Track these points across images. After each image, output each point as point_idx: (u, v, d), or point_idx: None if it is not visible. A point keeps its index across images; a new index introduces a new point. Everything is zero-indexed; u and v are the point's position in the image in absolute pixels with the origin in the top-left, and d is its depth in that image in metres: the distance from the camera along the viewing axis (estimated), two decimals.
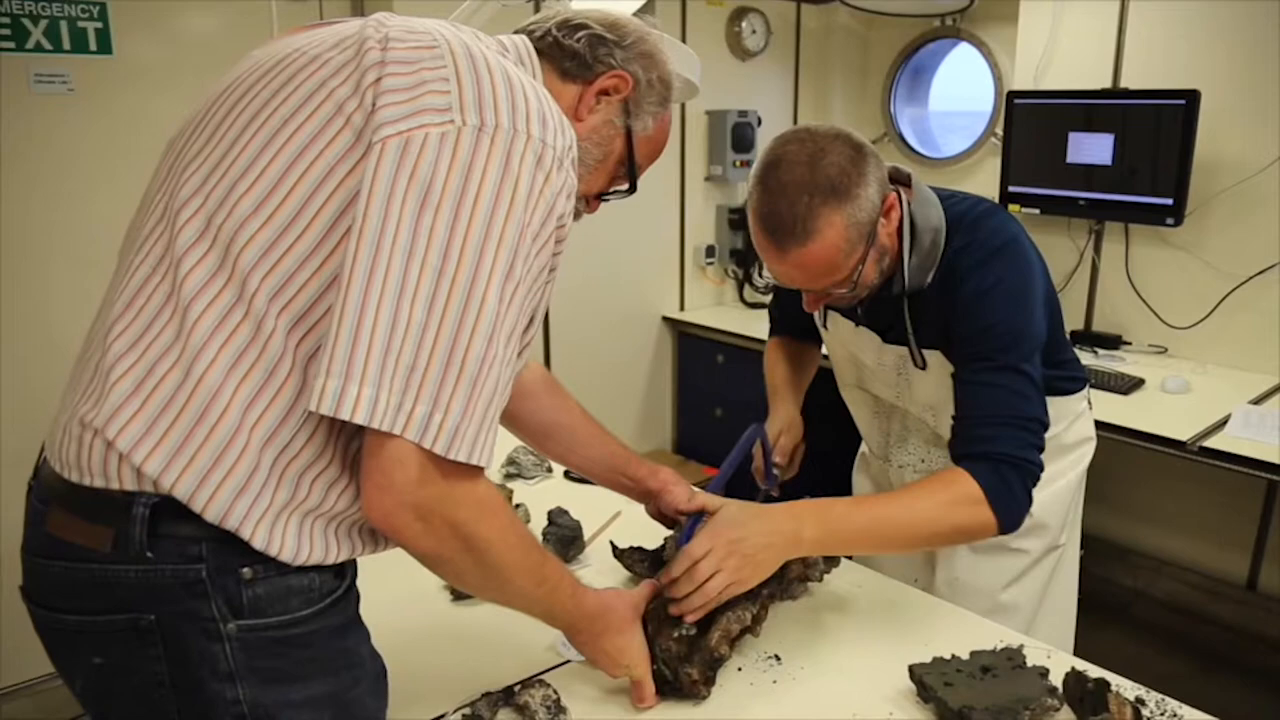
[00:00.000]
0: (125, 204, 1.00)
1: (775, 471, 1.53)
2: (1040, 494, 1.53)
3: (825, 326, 1.64)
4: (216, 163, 0.91)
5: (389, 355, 0.81)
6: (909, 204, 1.39)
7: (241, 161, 0.89)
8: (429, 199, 0.83)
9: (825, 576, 1.45)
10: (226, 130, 0.92)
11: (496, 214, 0.85)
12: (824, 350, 1.77)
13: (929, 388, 1.51)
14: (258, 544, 0.86)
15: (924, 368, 1.48)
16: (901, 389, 1.56)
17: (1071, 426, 1.66)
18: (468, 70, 0.89)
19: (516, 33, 1.12)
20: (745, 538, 1.22)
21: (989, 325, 1.35)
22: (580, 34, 1.09)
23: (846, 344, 1.62)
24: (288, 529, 0.89)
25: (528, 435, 1.48)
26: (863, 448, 1.86)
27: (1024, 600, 1.65)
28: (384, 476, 0.84)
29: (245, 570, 0.87)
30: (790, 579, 1.39)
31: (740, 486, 1.48)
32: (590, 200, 1.17)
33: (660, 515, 1.45)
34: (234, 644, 0.87)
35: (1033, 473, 1.32)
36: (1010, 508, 1.29)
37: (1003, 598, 1.62)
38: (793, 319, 1.77)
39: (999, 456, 1.30)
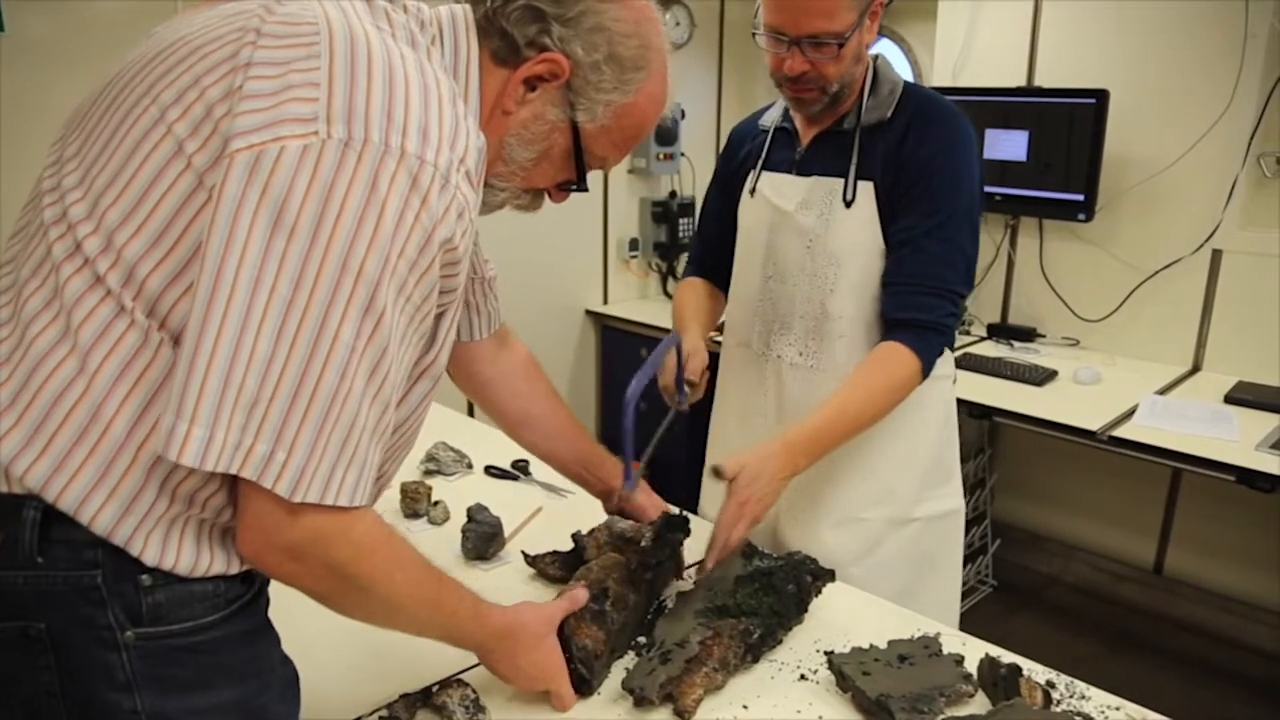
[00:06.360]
0: (20, 190, 0.94)
1: (686, 390, 1.55)
2: (887, 457, 1.65)
3: (753, 193, 1.70)
4: (90, 164, 0.84)
5: (227, 391, 0.75)
6: (877, 58, 1.61)
7: (111, 166, 0.82)
8: (282, 221, 0.75)
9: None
10: (104, 128, 0.85)
11: (357, 242, 0.77)
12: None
13: (847, 231, 1.59)
14: (149, 559, 0.82)
15: (852, 201, 1.58)
16: (816, 235, 1.60)
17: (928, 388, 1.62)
18: (343, 70, 0.79)
19: None
20: (764, 499, 1.39)
21: (935, 171, 1.52)
22: (514, 6, 0.95)
23: (771, 198, 1.67)
24: (183, 541, 0.84)
25: (503, 422, 1.45)
26: (708, 463, 1.73)
27: (882, 574, 1.63)
28: (253, 517, 0.81)
29: (144, 577, 0.82)
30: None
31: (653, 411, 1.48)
32: (552, 192, 1.08)
33: (620, 511, 1.46)
34: (132, 653, 0.82)
35: (949, 333, 1.57)
36: (932, 361, 1.53)
37: (854, 571, 1.60)
38: (715, 242, 1.81)
39: (927, 324, 1.52)
